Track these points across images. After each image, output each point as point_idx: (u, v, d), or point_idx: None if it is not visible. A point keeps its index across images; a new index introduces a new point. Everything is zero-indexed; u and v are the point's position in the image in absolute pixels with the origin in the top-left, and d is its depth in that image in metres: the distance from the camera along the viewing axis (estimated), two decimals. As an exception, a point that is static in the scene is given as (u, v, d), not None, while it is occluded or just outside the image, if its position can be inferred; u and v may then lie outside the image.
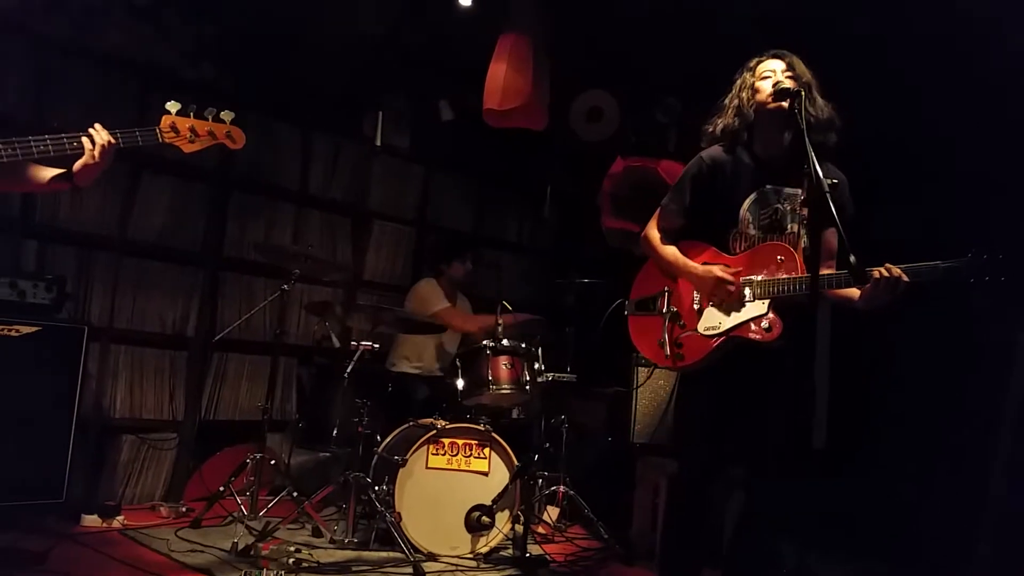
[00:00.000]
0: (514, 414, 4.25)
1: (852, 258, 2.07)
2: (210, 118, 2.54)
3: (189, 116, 2.50)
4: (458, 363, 3.95)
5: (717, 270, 2.55)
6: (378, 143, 5.01)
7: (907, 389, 4.25)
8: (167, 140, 2.49)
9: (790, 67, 2.55)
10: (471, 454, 3.68)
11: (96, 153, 2.34)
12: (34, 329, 3.12)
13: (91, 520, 3.56)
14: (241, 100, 4.48)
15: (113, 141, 2.38)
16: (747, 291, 2.52)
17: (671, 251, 2.70)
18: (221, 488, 3.74)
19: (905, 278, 2.26)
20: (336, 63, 4.68)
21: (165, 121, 2.48)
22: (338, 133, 5.04)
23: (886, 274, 2.26)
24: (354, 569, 3.22)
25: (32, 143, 2.28)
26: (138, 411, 4.18)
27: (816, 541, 3.53)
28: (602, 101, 4.86)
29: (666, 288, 2.71)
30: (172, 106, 2.49)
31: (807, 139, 2.24)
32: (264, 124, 4.68)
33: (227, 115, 2.57)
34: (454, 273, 4.72)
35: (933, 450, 4.07)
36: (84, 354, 3.56)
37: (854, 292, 2.40)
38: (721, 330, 2.55)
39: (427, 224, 5.54)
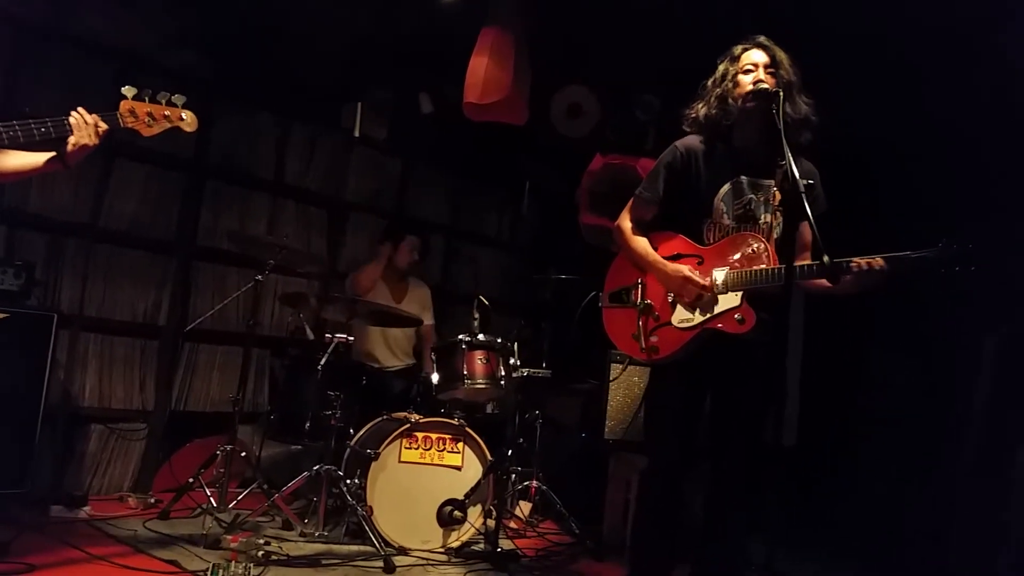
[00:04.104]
0: (489, 409, 4.25)
1: (826, 257, 2.10)
2: (164, 102, 2.59)
3: (145, 100, 2.56)
4: (433, 357, 3.94)
5: (686, 270, 2.55)
6: (356, 134, 4.97)
7: (878, 388, 4.31)
8: (127, 124, 2.54)
9: (773, 61, 2.56)
10: (444, 448, 3.67)
11: (91, 133, 2.41)
12: (2, 316, 3.06)
13: (57, 510, 3.50)
14: (220, 88, 4.46)
15: (104, 124, 2.45)
16: (720, 281, 2.53)
17: (642, 244, 2.69)
18: (190, 479, 3.69)
19: (884, 267, 2.29)
20: (317, 53, 4.64)
21: (124, 106, 2.53)
22: (316, 123, 5.00)
23: (864, 266, 2.29)
24: (324, 562, 3.20)
25: (33, 126, 2.34)
26: (107, 401, 4.12)
27: (785, 538, 3.58)
28: (582, 97, 4.86)
29: (640, 280, 2.71)
30: (128, 91, 2.53)
31: (783, 138, 2.27)
32: (242, 112, 4.63)
33: (179, 99, 2.62)
34: (400, 260, 4.64)
35: (903, 449, 4.12)
36: (53, 342, 3.49)
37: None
38: (695, 322, 2.55)
39: (405, 217, 5.51)
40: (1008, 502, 3.54)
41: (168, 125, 2.62)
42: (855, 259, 2.30)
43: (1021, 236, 3.44)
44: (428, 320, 4.75)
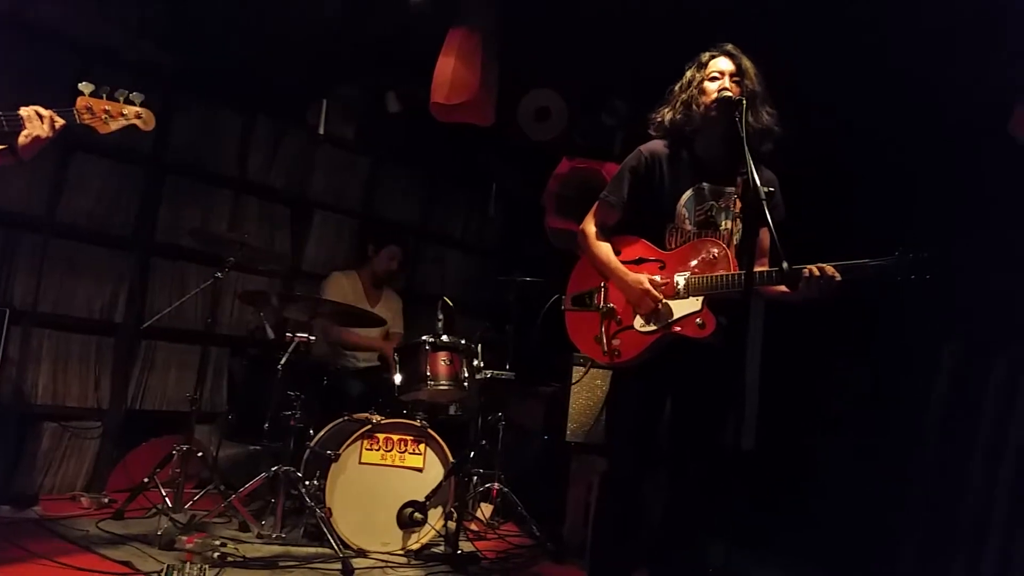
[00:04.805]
0: (451, 410, 4.24)
1: (784, 264, 2.14)
2: (122, 99, 2.60)
3: (103, 98, 2.56)
4: (396, 358, 3.91)
5: (646, 282, 2.57)
6: (321, 132, 4.93)
7: (836, 393, 4.37)
8: (84, 121, 2.54)
9: (739, 70, 2.59)
10: (406, 450, 3.65)
11: (46, 126, 2.39)
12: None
13: (5, 510, 3.41)
14: (182, 82, 4.39)
15: (59, 119, 2.44)
16: (682, 286, 2.55)
17: (605, 251, 2.71)
18: (146, 479, 3.64)
19: (838, 277, 2.33)
20: (283, 49, 4.58)
21: (80, 102, 2.54)
22: (281, 120, 4.94)
23: (817, 273, 2.33)
24: (281, 564, 3.16)
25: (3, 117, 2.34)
26: (61, 398, 4.03)
27: (744, 541, 3.61)
28: (550, 101, 4.87)
29: (603, 284, 2.73)
30: (85, 87, 2.53)
31: (746, 147, 2.30)
32: (204, 107, 4.56)
33: (137, 97, 2.62)
34: (378, 265, 4.64)
35: (860, 454, 4.19)
36: (5, 337, 3.43)
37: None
38: (657, 326, 2.57)
39: (371, 216, 5.47)
40: (962, 507, 3.62)
41: (125, 123, 2.62)
42: (807, 266, 2.34)
43: (980, 246, 3.52)
44: (398, 328, 4.75)
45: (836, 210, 4.12)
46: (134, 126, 2.64)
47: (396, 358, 3.90)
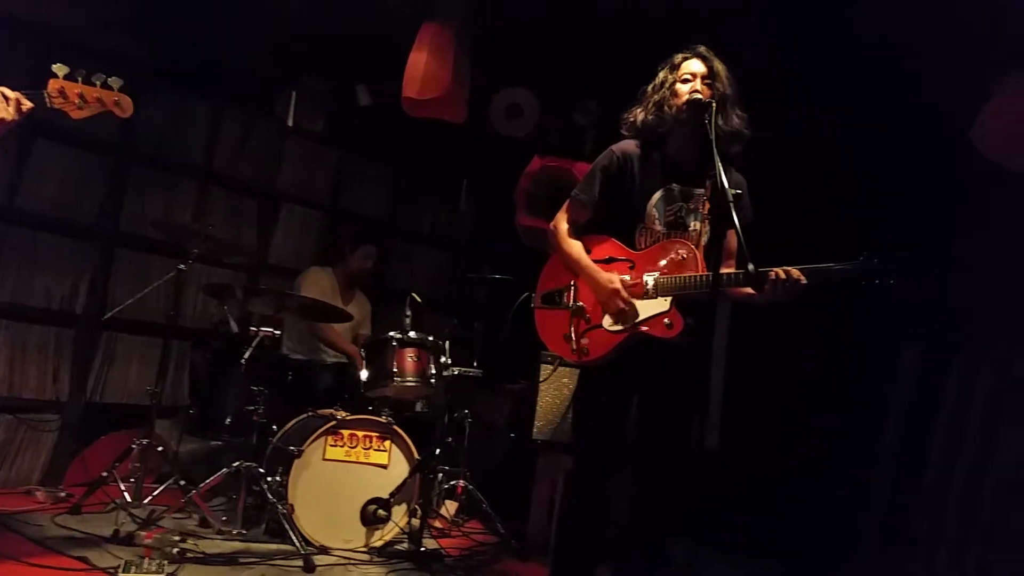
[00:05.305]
0: (418, 407, 4.22)
1: (750, 266, 2.16)
2: (99, 84, 2.49)
3: (77, 81, 2.44)
4: (363, 353, 3.88)
5: (617, 282, 2.58)
6: (290, 124, 4.88)
7: (799, 395, 4.43)
8: (55, 105, 2.43)
9: (711, 73, 2.61)
10: (371, 446, 3.62)
11: (12, 109, 2.29)
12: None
13: (-43, 504, 3.34)
14: (150, 71, 4.31)
15: (27, 103, 2.33)
16: (651, 286, 2.56)
17: (576, 249, 2.71)
18: (104, 473, 3.57)
19: (803, 280, 2.35)
20: (252, 40, 4.53)
21: (53, 85, 2.41)
22: (249, 111, 4.88)
23: (783, 276, 2.35)
24: (241, 561, 3.12)
25: None
26: (18, 390, 3.95)
27: (707, 538, 3.65)
28: (522, 98, 4.87)
29: (573, 282, 2.73)
30: (59, 69, 2.41)
31: (715, 149, 2.32)
32: (171, 97, 4.49)
33: (115, 82, 2.53)
34: (352, 264, 4.62)
35: (821, 454, 4.25)
36: (-42, 327, 3.34)
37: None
38: (625, 326, 2.58)
39: (339, 210, 5.43)
40: (919, 509, 3.69)
41: (100, 109, 2.52)
42: (773, 269, 2.36)
43: (941, 251, 3.59)
44: (365, 331, 4.73)
45: (835, 210, 4.15)
46: (110, 112, 2.55)
47: (363, 354, 3.87)
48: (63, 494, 3.73)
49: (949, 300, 3.67)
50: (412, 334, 3.82)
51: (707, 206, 2.61)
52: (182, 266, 3.69)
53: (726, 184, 2.22)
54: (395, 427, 3.66)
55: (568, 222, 2.77)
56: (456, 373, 4.02)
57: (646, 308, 2.56)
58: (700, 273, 2.50)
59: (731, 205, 2.20)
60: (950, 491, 3.57)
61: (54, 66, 2.42)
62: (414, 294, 3.99)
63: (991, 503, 3.42)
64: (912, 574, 3.64)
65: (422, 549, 3.44)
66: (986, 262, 3.55)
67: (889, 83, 3.57)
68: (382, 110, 4.87)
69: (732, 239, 2.58)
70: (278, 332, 3.69)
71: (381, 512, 3.53)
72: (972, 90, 3.26)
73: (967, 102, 3.27)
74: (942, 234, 3.69)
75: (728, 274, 2.47)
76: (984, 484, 3.41)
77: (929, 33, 3.26)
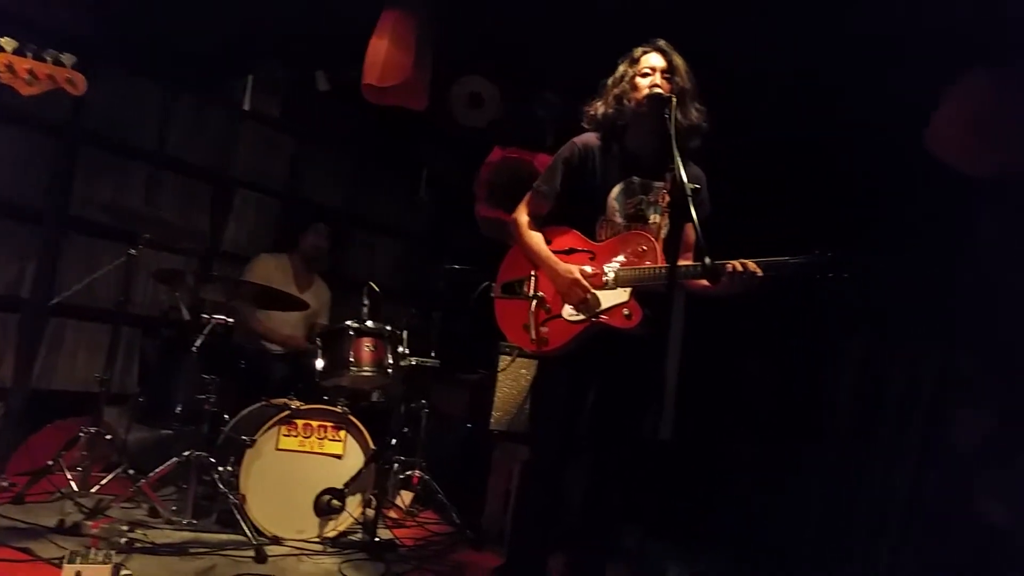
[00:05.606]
0: (374, 397, 4.19)
1: (707, 259, 2.19)
2: (50, 60, 2.39)
3: (27, 56, 2.33)
4: (318, 343, 3.84)
5: (577, 272, 2.59)
6: (247, 108, 4.79)
7: (750, 387, 4.50)
8: (2, 80, 2.32)
9: (670, 67, 2.63)
10: (326, 436, 3.58)
11: None
12: None
13: None
14: (100, 50, 4.19)
15: None
16: (611, 277, 2.58)
17: (536, 240, 2.73)
18: (49, 462, 3.47)
19: (759, 272, 2.39)
20: (208, 20, 4.43)
21: (0, 59, 2.29)
22: (204, 94, 4.78)
23: (739, 268, 2.38)
24: (191, 551, 3.07)
25: None
26: (-42, 377, 3.84)
27: (658, 527, 3.70)
28: (483, 88, 4.85)
29: (533, 272, 2.74)
30: (7, 43, 2.31)
31: (674, 143, 2.34)
32: (123, 77, 4.37)
33: (68, 59, 2.44)
34: (305, 245, 4.55)
35: (771, 445, 4.33)
36: None
37: None
38: (585, 316, 2.60)
39: (295, 197, 5.35)
40: (862, 502, 3.78)
41: (52, 86, 2.44)
42: (729, 262, 2.39)
43: (888, 247, 3.68)
44: (323, 320, 4.65)
45: (815, 207, 4.18)
46: (61, 90, 2.47)
47: (318, 343, 3.83)
48: (6, 483, 3.60)
49: (897, 295, 3.76)
50: (369, 323, 3.79)
51: (666, 199, 2.64)
52: (133, 251, 3.61)
53: (684, 178, 2.24)
54: (351, 417, 3.63)
55: (529, 214, 2.78)
56: (413, 363, 3.99)
57: (606, 299, 2.58)
58: (659, 265, 2.52)
59: (689, 199, 2.22)
60: (895, 483, 3.66)
61: (1, 39, 2.32)
62: (372, 283, 3.96)
63: (935, 496, 3.52)
64: (853, 568, 3.73)
65: (376, 539, 3.42)
66: (933, 259, 3.64)
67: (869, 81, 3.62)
68: (341, 96, 4.81)
69: (690, 232, 2.61)
70: (231, 320, 3.63)
71: (335, 502, 3.50)
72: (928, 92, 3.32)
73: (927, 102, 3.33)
74: (898, 232, 3.77)
75: (686, 266, 2.50)
76: (929, 477, 3.51)
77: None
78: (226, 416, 3.62)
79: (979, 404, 3.41)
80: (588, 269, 2.62)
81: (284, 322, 4.42)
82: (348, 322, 3.76)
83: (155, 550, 2.99)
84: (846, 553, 3.76)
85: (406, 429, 4.15)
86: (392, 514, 4.02)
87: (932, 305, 3.66)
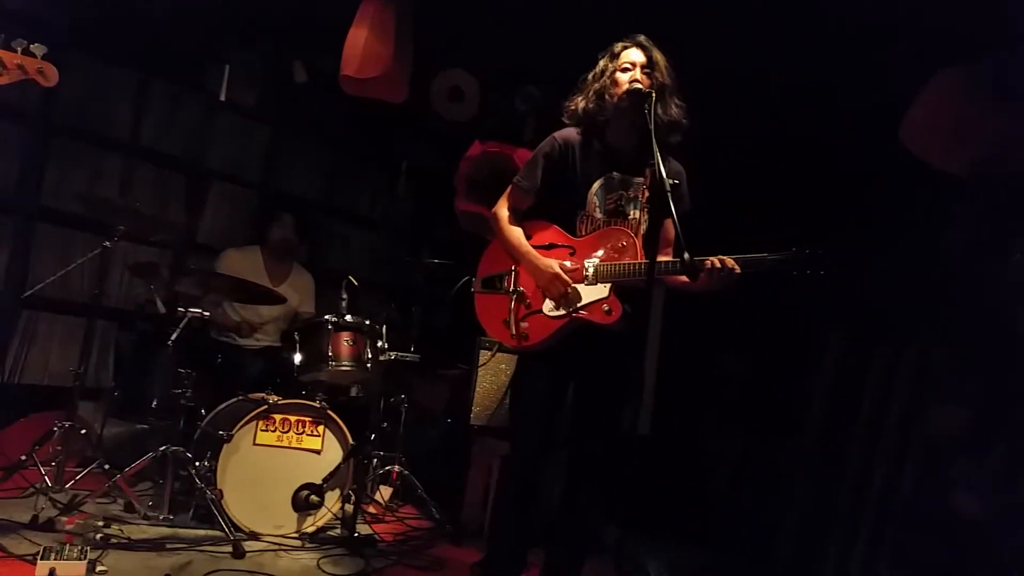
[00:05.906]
0: (353, 392, 4.16)
1: (686, 255, 2.20)
2: (20, 50, 2.35)
3: None
4: (297, 337, 3.81)
5: (557, 267, 2.59)
6: (223, 98, 4.73)
7: (729, 382, 4.53)
8: None
9: (650, 63, 2.63)
10: (304, 431, 3.56)
11: None
12: None
13: None
14: (73, 39, 4.12)
15: None
16: (591, 272, 2.58)
17: (516, 234, 2.72)
18: (23, 457, 3.42)
19: (737, 269, 2.40)
20: (184, 8, 4.36)
21: None
22: (179, 83, 4.71)
23: (718, 265, 2.39)
24: (168, 547, 3.04)
25: None
26: (-72, 370, 3.77)
27: (637, 522, 3.71)
28: (463, 81, 4.83)
29: (513, 267, 2.74)
30: None
31: (653, 138, 2.35)
32: (96, 66, 4.30)
33: (38, 49, 2.41)
34: (272, 237, 4.48)
35: (749, 441, 4.36)
36: None
37: None
38: (564, 311, 2.60)
39: (272, 189, 5.30)
40: (839, 498, 3.82)
41: (22, 76, 2.41)
42: (708, 258, 2.41)
43: (867, 244, 3.71)
44: (308, 308, 4.58)
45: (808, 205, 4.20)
46: (33, 81, 2.45)
47: (297, 337, 3.80)
48: (-24, 479, 3.57)
49: (875, 291, 3.79)
50: (348, 318, 3.77)
51: (646, 195, 2.64)
52: (108, 243, 3.55)
53: (664, 174, 2.25)
54: (329, 412, 3.61)
55: (509, 208, 2.78)
56: (393, 358, 3.98)
57: (586, 294, 2.59)
58: (638, 260, 2.53)
59: (668, 195, 2.23)
60: (873, 479, 3.70)
61: None
62: (351, 277, 3.93)
63: (912, 491, 3.56)
64: (830, 563, 3.76)
65: (355, 534, 3.42)
66: (912, 255, 3.68)
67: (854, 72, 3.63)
68: (319, 88, 4.76)
69: (669, 228, 2.62)
70: (207, 313, 3.59)
71: (314, 498, 3.48)
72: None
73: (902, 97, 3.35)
74: (877, 229, 3.80)
75: (665, 262, 2.51)
76: (905, 469, 3.55)
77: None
78: (203, 411, 3.58)
79: (956, 400, 3.45)
80: (568, 264, 2.62)
81: (267, 315, 4.38)
82: (327, 316, 3.74)
83: (131, 546, 2.96)
84: (824, 548, 3.80)
85: (385, 424, 4.13)
86: (371, 509, 4.01)
87: (910, 301, 3.70)
